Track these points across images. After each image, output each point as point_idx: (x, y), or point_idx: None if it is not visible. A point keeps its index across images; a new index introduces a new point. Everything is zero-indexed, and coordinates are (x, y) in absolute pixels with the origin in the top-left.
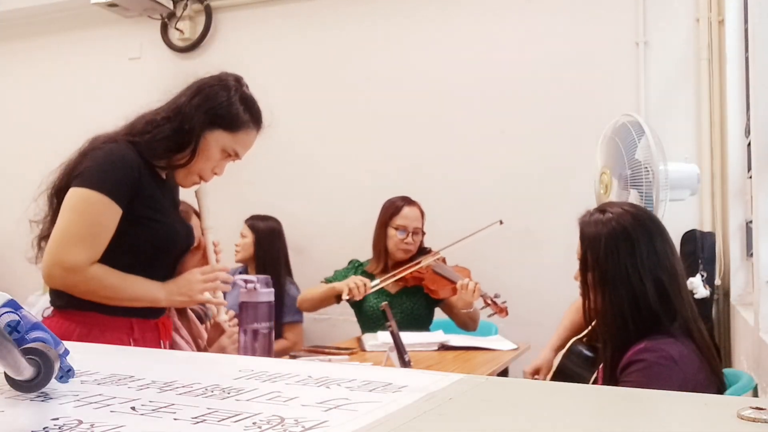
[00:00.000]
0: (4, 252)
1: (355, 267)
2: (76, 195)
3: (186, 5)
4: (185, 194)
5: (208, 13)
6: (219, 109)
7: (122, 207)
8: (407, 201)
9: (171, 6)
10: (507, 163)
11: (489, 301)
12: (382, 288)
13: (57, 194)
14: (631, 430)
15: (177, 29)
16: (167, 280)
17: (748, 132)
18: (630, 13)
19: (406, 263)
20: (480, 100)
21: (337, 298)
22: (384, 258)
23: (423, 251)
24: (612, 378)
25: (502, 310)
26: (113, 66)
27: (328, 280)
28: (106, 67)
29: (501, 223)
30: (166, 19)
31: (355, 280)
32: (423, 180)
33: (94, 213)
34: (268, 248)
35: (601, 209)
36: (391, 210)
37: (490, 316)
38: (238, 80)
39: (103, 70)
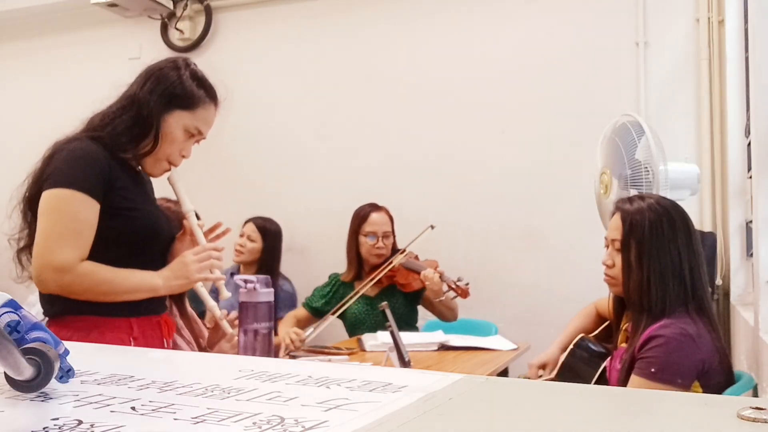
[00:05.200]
0: (3, 251)
1: (333, 282)
2: (50, 196)
3: (186, 5)
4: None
5: (208, 13)
6: (172, 89)
7: (98, 200)
8: (374, 207)
9: (171, 6)
10: (507, 163)
11: (452, 285)
12: (363, 294)
13: (29, 204)
14: (631, 429)
15: (177, 29)
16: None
17: (748, 132)
18: (630, 13)
19: (381, 266)
20: (480, 100)
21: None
22: (356, 265)
23: (397, 252)
24: (631, 357)
25: (463, 292)
26: (113, 66)
27: (307, 301)
28: (106, 67)
29: (432, 228)
30: (166, 19)
31: (290, 335)
32: (423, 180)
33: (72, 210)
34: (275, 251)
35: (639, 197)
36: (359, 218)
37: (453, 298)
38: (185, 60)
39: (103, 70)
